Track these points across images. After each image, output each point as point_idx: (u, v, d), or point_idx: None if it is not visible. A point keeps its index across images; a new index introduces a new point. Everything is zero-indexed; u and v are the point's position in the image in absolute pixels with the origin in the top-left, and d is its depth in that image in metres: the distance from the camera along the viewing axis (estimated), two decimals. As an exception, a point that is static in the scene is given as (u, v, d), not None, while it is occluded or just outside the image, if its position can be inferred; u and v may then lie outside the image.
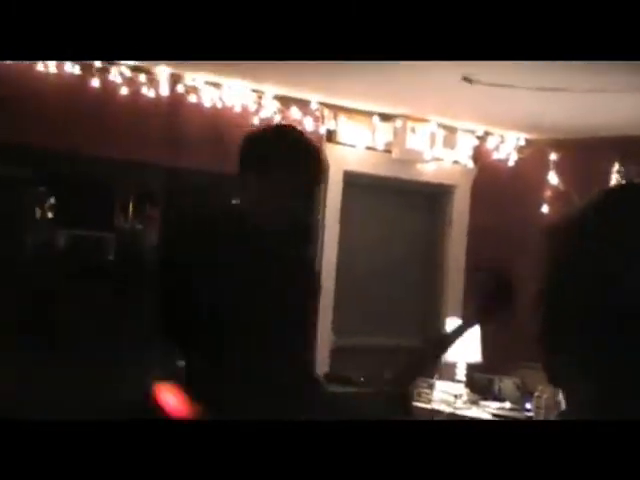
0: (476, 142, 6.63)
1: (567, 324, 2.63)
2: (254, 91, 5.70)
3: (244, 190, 2.69)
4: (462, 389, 5.88)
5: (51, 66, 5.08)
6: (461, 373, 5.95)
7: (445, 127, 6.42)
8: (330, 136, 5.99)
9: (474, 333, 5.56)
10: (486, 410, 5.77)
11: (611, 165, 6.02)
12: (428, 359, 2.84)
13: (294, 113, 5.83)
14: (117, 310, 5.15)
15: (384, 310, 6.56)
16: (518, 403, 5.78)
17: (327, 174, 2.77)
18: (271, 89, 5.70)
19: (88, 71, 5.17)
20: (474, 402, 5.87)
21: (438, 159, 6.48)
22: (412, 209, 6.78)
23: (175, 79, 5.43)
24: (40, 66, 5.06)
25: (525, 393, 5.74)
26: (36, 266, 5.08)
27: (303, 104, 5.87)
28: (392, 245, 6.63)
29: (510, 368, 5.91)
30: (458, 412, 5.67)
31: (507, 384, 6.00)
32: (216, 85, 5.58)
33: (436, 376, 5.84)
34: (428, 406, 5.74)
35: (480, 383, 6.09)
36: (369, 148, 6.23)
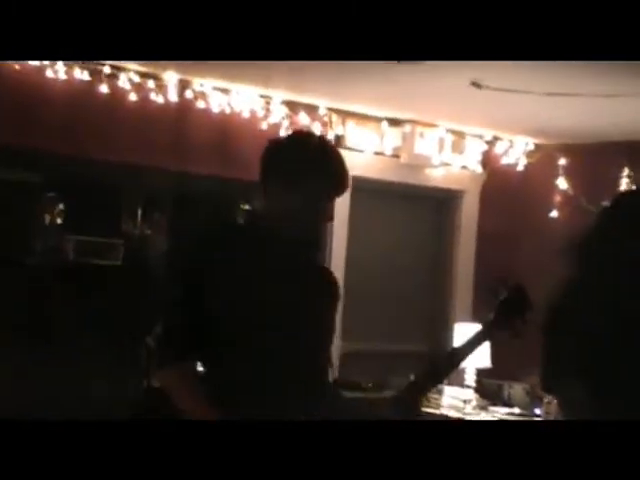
0: (485, 147, 6.62)
1: (566, 338, 2.61)
2: (262, 96, 5.70)
3: (268, 199, 2.66)
4: (471, 395, 5.87)
5: (61, 72, 5.09)
6: (470, 378, 5.93)
7: (454, 132, 6.41)
8: (338, 141, 5.98)
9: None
10: (495, 416, 5.75)
11: (620, 170, 6.00)
12: (442, 372, 2.82)
13: (302, 118, 5.83)
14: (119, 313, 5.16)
15: (392, 315, 6.55)
16: (527, 409, 5.76)
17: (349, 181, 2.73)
18: (279, 94, 5.70)
19: (97, 77, 5.18)
20: (483, 408, 5.85)
21: (447, 164, 6.47)
22: (420, 214, 6.77)
23: (183, 85, 5.43)
24: (50, 72, 5.07)
25: (534, 399, 5.73)
26: (44, 270, 5.08)
27: (311, 109, 5.87)
28: (400, 250, 6.62)
29: (520, 374, 5.88)
30: (467, 418, 5.65)
31: (517, 390, 5.98)
32: (224, 91, 5.58)
33: (445, 381, 5.82)
34: (437, 411, 5.72)
35: (489, 389, 6.08)
36: (377, 153, 6.23)
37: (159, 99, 5.38)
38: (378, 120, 6.17)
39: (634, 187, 5.85)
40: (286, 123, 5.76)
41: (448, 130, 6.36)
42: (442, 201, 6.78)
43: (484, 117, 6.00)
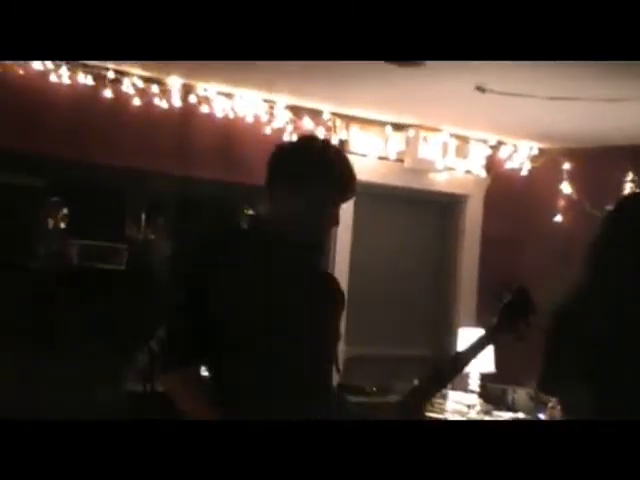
0: (489, 151, 6.61)
1: (568, 341, 2.61)
2: (266, 101, 5.70)
3: (273, 203, 2.66)
4: (475, 399, 5.86)
5: (64, 76, 5.10)
6: (474, 383, 5.92)
7: (458, 136, 6.41)
8: (342, 146, 5.98)
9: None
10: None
11: (624, 174, 5.99)
12: (446, 376, 2.82)
13: (306, 123, 5.83)
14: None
15: (396, 320, 6.55)
16: (531, 414, 5.75)
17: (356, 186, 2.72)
18: (283, 99, 5.70)
19: (101, 82, 5.19)
20: (487, 412, 5.84)
21: (450, 169, 6.47)
22: (424, 219, 6.76)
23: (187, 89, 5.44)
24: (54, 76, 5.08)
25: (538, 404, 5.71)
26: (48, 274, 5.09)
27: (315, 114, 5.88)
28: (404, 255, 6.62)
29: (524, 379, 5.87)
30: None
31: (520, 395, 5.97)
32: (228, 95, 5.59)
33: (449, 386, 5.81)
34: (441, 416, 5.71)
35: (493, 393, 6.07)
36: (381, 158, 6.23)
37: (163, 104, 5.38)
38: (382, 125, 6.17)
39: (638, 190, 5.85)
40: (290, 128, 5.77)
41: (452, 135, 6.36)
42: (446, 206, 6.78)
43: (488, 121, 6.00)
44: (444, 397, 5.79)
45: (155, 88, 5.35)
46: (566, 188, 6.39)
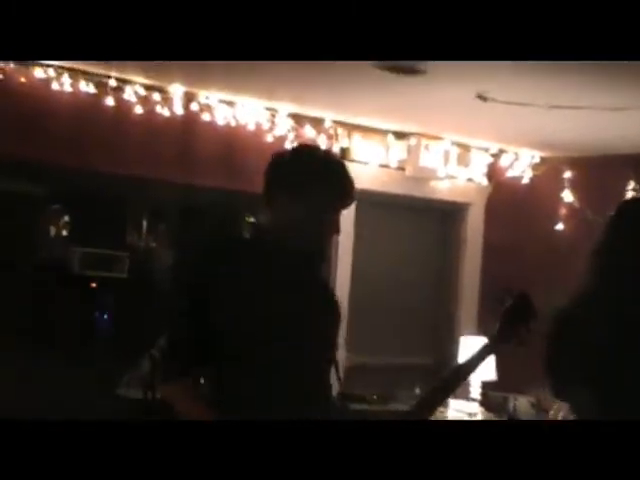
0: (490, 160, 6.62)
1: (572, 347, 2.60)
2: (268, 109, 5.71)
3: (273, 210, 2.66)
4: (477, 407, 5.85)
5: (66, 84, 5.10)
6: (476, 391, 5.91)
7: (459, 145, 6.42)
8: (344, 154, 5.99)
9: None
10: (501, 429, 5.72)
11: (626, 183, 5.99)
12: (449, 386, 2.83)
13: (308, 131, 5.84)
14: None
15: (398, 328, 6.54)
16: (533, 422, 5.75)
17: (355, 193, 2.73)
18: (285, 107, 5.70)
19: (102, 89, 5.19)
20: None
21: (452, 177, 6.47)
22: (426, 227, 6.76)
23: (189, 97, 5.44)
24: (55, 84, 5.08)
25: (540, 411, 5.71)
26: (49, 281, 5.09)
27: (317, 122, 5.88)
28: (406, 263, 6.62)
29: (525, 386, 5.87)
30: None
31: (522, 402, 5.96)
32: (230, 103, 5.59)
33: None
34: (442, 425, 5.70)
35: (495, 401, 6.06)
36: (383, 166, 6.23)
37: (164, 112, 5.39)
38: (383, 133, 6.17)
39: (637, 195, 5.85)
40: (291, 136, 5.77)
41: (453, 143, 6.36)
42: (447, 214, 6.78)
43: (490, 130, 6.00)
44: (445, 405, 5.78)
45: (157, 96, 5.36)
46: (567, 196, 6.39)
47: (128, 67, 5.01)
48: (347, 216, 6.00)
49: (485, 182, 6.66)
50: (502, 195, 6.69)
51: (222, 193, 5.61)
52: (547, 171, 6.58)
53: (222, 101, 5.56)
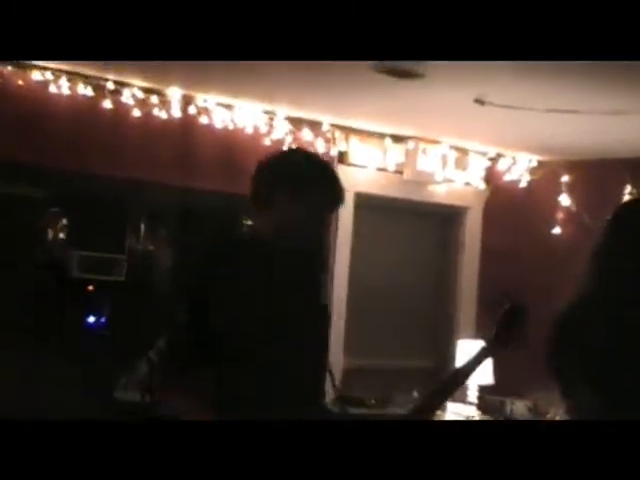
0: (488, 164, 6.62)
1: (573, 351, 2.60)
2: (266, 112, 5.71)
3: (275, 209, 2.67)
4: (474, 411, 5.85)
5: (64, 87, 5.10)
6: (473, 395, 5.92)
7: (457, 149, 6.42)
8: (341, 157, 5.99)
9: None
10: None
11: (623, 187, 6.00)
12: (447, 390, 2.84)
13: (306, 135, 5.84)
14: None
15: (396, 331, 6.54)
16: (530, 425, 5.74)
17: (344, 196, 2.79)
18: (283, 110, 5.71)
19: (101, 92, 5.20)
20: (486, 424, 5.83)
21: (450, 180, 6.48)
22: (424, 230, 6.77)
23: (187, 100, 5.45)
24: (53, 87, 5.08)
25: (537, 415, 5.71)
26: (46, 285, 5.08)
27: (315, 125, 5.88)
28: (403, 266, 6.62)
29: (522, 390, 5.87)
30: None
31: (519, 406, 5.97)
32: (228, 106, 5.60)
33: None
34: (440, 428, 5.70)
35: (492, 405, 6.06)
36: (380, 169, 6.23)
37: (163, 115, 5.39)
38: (381, 136, 6.18)
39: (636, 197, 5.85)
40: (289, 139, 5.78)
41: (451, 147, 6.37)
42: (445, 217, 6.78)
43: (487, 134, 6.01)
44: (443, 409, 5.78)
45: (155, 99, 5.36)
46: (565, 200, 6.39)
47: (126, 70, 5.02)
48: (345, 219, 6.04)
49: (483, 186, 6.66)
50: (500, 199, 6.69)
51: (220, 196, 5.60)
52: (545, 175, 6.59)
53: (220, 104, 5.56)
